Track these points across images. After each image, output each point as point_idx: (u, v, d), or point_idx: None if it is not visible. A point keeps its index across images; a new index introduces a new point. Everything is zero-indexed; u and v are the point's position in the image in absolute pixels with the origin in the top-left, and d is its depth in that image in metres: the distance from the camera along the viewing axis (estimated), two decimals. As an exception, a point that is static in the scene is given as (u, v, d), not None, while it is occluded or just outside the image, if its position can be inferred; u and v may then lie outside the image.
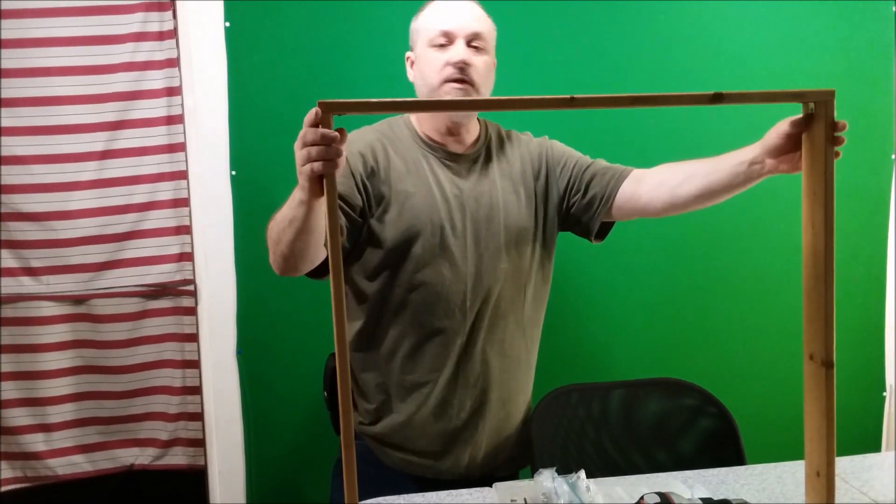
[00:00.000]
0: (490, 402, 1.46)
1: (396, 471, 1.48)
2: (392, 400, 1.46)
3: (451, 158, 1.44)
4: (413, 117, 1.48)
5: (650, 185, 1.40)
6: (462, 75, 1.36)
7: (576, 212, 1.48)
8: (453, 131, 1.44)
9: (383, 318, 1.43)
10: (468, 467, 1.48)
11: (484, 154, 1.47)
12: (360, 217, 1.37)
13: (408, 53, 1.47)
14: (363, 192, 1.37)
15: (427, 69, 1.39)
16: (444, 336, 1.42)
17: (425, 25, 1.41)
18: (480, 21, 1.41)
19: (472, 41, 1.39)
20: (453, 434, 1.46)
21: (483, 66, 1.40)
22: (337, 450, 1.59)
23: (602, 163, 1.49)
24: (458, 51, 1.37)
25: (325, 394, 1.62)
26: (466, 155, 1.45)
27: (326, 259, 1.32)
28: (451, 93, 1.36)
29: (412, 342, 1.42)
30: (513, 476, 1.56)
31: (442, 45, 1.38)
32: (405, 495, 1.32)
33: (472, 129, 1.48)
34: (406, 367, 1.44)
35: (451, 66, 1.36)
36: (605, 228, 1.50)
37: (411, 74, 1.47)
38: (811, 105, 0.92)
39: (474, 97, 1.36)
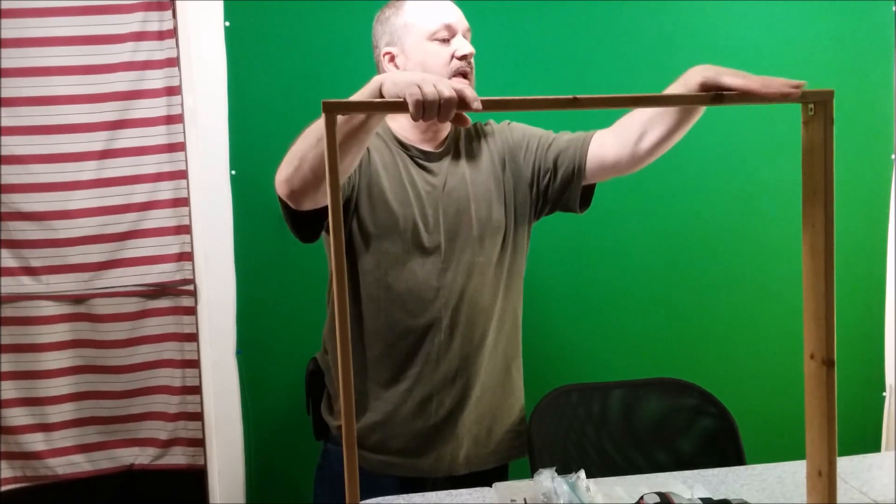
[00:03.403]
0: (470, 398, 1.46)
1: (375, 474, 1.46)
2: (368, 399, 1.45)
3: (423, 156, 1.44)
4: (387, 116, 1.47)
5: (614, 144, 1.40)
6: (469, 68, 1.40)
7: (552, 193, 1.47)
8: (430, 128, 1.45)
9: (358, 315, 1.43)
10: (451, 464, 1.47)
11: (453, 149, 1.48)
12: (350, 190, 1.38)
13: (387, 49, 1.43)
14: (355, 174, 1.37)
15: (431, 62, 1.38)
16: (419, 332, 1.41)
17: (422, 20, 1.40)
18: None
19: (466, 35, 1.42)
20: (432, 432, 1.45)
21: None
22: (317, 455, 1.58)
23: (564, 136, 1.48)
24: (466, 44, 1.40)
25: (306, 398, 1.59)
26: (437, 152, 1.46)
27: (322, 213, 1.29)
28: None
29: (387, 339, 1.42)
30: (502, 469, 1.55)
31: (444, 39, 1.39)
32: (404, 496, 1.32)
33: (445, 126, 1.47)
34: (382, 365, 1.43)
35: (458, 59, 1.38)
36: (587, 196, 1.48)
37: (395, 70, 1.43)
38: (810, 106, 0.92)
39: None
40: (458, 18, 1.41)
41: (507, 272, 1.49)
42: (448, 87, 0.98)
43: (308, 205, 1.26)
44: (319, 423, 1.55)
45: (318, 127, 1.18)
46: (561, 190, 1.46)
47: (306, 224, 1.33)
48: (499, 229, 1.46)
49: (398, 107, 0.99)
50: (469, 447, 1.49)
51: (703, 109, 1.29)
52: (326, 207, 1.26)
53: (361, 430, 1.45)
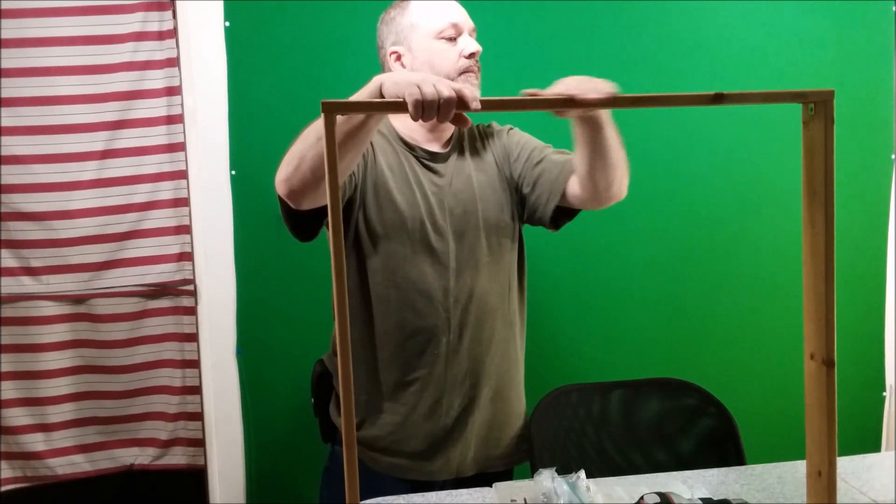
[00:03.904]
0: (479, 399, 1.46)
1: (385, 476, 1.46)
2: (378, 401, 1.44)
3: (428, 157, 1.45)
4: (391, 117, 1.47)
5: (575, 174, 1.40)
6: (476, 66, 1.41)
7: (528, 207, 1.48)
8: (435, 128, 1.45)
9: (367, 316, 1.42)
10: (459, 466, 1.47)
11: (458, 150, 1.48)
12: (353, 190, 1.37)
13: (394, 49, 1.44)
14: (358, 173, 1.37)
15: (439, 60, 1.39)
16: (429, 333, 1.41)
17: (428, 19, 1.41)
18: None
19: (472, 34, 1.43)
20: (442, 433, 1.45)
21: None
22: (319, 455, 1.58)
23: (553, 157, 1.46)
24: (472, 42, 1.41)
25: (312, 400, 1.59)
26: (442, 153, 1.46)
27: (320, 212, 1.28)
28: (469, 83, 1.39)
29: (397, 340, 1.42)
30: (508, 472, 1.55)
31: (451, 38, 1.40)
32: (404, 496, 1.32)
33: (449, 126, 1.47)
34: (392, 367, 1.43)
35: (465, 57, 1.39)
36: (566, 214, 1.48)
37: (401, 69, 1.44)
38: (810, 106, 0.92)
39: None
40: (463, 17, 1.42)
41: (514, 272, 1.49)
42: (448, 88, 0.98)
43: (307, 204, 1.26)
44: (327, 425, 1.55)
45: (317, 127, 1.18)
46: (535, 207, 1.46)
47: (305, 223, 1.33)
48: (505, 229, 1.46)
49: (397, 107, 1.00)
50: (478, 449, 1.48)
51: (596, 120, 1.26)
52: (325, 207, 1.27)
53: (374, 432, 1.45)
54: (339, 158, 1.16)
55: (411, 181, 1.41)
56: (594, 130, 1.27)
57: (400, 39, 1.43)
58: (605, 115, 1.27)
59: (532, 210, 1.47)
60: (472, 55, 1.39)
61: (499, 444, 1.51)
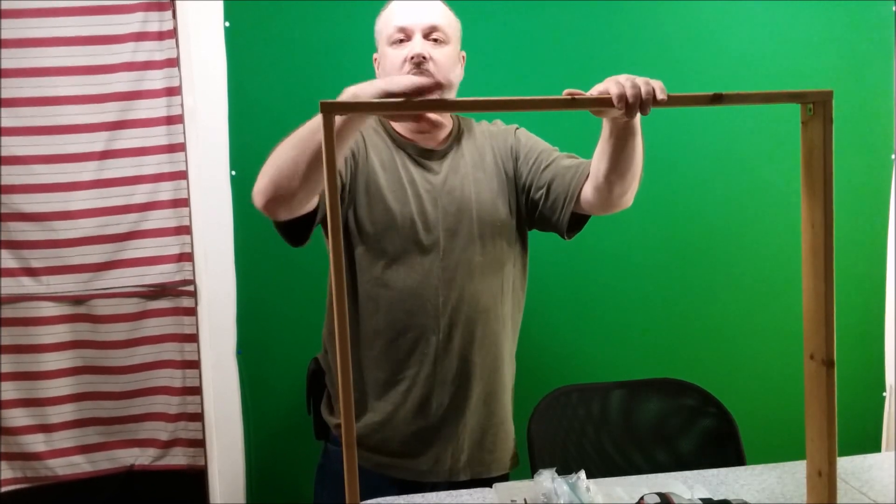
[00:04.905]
0: (471, 399, 1.44)
1: (376, 474, 1.45)
2: (366, 399, 1.44)
3: (422, 154, 1.44)
4: None
5: (589, 179, 1.36)
6: (419, 70, 1.34)
7: (541, 213, 1.45)
8: (425, 129, 1.44)
9: (355, 314, 1.42)
10: (451, 468, 1.45)
11: (455, 148, 1.47)
12: (339, 189, 1.36)
13: (375, 55, 1.46)
14: (346, 173, 1.37)
15: (389, 67, 1.38)
16: (418, 332, 1.40)
17: (383, 24, 1.41)
18: (438, 15, 1.39)
19: (430, 34, 1.37)
20: (431, 432, 1.43)
21: (444, 58, 1.37)
22: (317, 455, 1.58)
23: (563, 161, 1.43)
24: (415, 45, 1.35)
25: (307, 398, 1.58)
26: (438, 150, 1.45)
27: (307, 219, 1.30)
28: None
29: (386, 338, 1.41)
30: (505, 478, 1.54)
31: (400, 42, 1.37)
32: (405, 496, 1.32)
33: (444, 123, 1.47)
34: (381, 365, 1.42)
35: (408, 61, 1.35)
36: (578, 223, 1.44)
37: (379, 75, 1.45)
38: (809, 106, 0.92)
39: (445, 95, 1.26)
40: (413, 19, 1.37)
41: (509, 273, 1.48)
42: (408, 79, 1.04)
43: (283, 215, 1.27)
44: (320, 422, 1.55)
45: (287, 143, 1.21)
46: (550, 213, 1.43)
47: (293, 229, 1.33)
48: (502, 229, 1.45)
49: (396, 107, 1.00)
50: (472, 451, 1.47)
51: (632, 127, 1.22)
52: (308, 214, 1.28)
53: (361, 430, 1.44)
54: (312, 171, 1.17)
55: (403, 179, 1.40)
56: (627, 136, 1.22)
57: (376, 45, 1.44)
58: (638, 122, 1.22)
59: (547, 216, 1.44)
60: (415, 58, 1.33)
61: (494, 447, 1.50)
